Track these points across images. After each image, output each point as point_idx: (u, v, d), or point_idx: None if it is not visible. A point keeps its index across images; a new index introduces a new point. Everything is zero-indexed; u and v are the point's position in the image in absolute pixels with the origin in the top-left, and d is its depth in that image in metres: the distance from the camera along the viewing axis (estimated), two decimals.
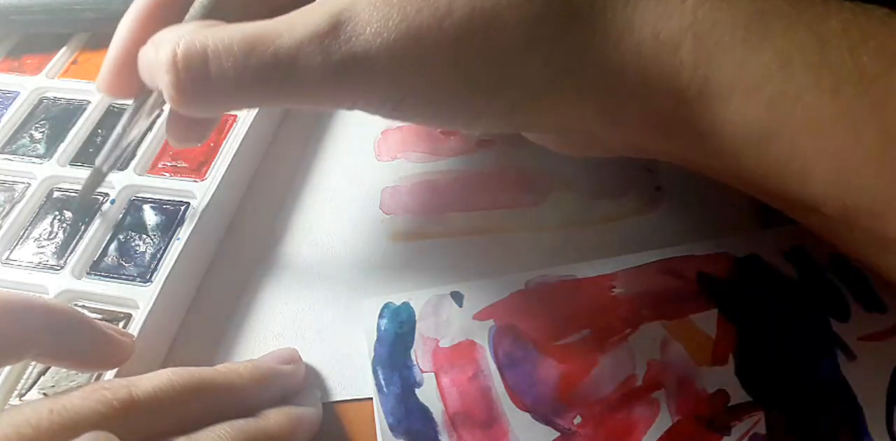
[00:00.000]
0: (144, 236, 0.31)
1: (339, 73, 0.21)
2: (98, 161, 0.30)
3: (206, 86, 0.22)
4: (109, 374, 0.26)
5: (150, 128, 0.32)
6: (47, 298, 0.24)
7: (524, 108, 0.23)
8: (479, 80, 0.22)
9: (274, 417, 0.24)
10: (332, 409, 0.27)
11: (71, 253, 0.30)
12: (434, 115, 0.24)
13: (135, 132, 0.29)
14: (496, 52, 0.21)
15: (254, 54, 0.21)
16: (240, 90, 0.22)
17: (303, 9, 0.22)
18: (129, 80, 0.26)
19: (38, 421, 0.20)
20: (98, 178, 0.30)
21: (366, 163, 0.36)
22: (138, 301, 0.28)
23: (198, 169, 0.33)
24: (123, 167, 0.33)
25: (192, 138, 0.28)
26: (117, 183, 0.32)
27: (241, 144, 0.33)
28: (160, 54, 0.22)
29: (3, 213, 0.32)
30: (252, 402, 0.24)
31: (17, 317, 0.22)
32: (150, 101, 0.28)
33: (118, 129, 0.28)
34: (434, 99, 0.23)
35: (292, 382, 0.27)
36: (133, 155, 0.33)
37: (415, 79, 0.22)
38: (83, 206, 0.32)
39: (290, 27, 0.21)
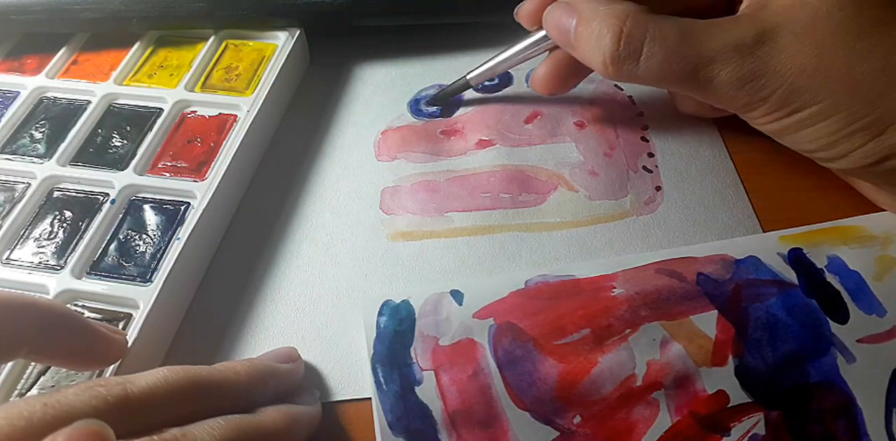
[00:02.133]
0: (144, 236, 0.31)
1: (744, 81, 0.26)
2: (471, 76, 0.36)
3: (634, 63, 0.27)
4: (108, 374, 0.26)
5: (518, 62, 0.34)
6: (39, 297, 0.24)
7: None
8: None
9: (270, 414, 0.24)
10: (331, 409, 0.27)
11: (71, 253, 0.30)
12: (823, 127, 0.27)
13: (510, 63, 0.34)
14: None
15: (682, 48, 0.26)
16: (658, 75, 0.27)
17: (731, 18, 0.27)
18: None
19: (31, 413, 0.20)
20: (462, 88, 0.36)
21: (366, 163, 0.36)
22: (138, 301, 0.28)
23: (198, 169, 0.33)
24: (123, 167, 0.33)
25: (561, 89, 0.34)
26: (117, 183, 0.32)
27: (241, 144, 0.33)
28: (603, 26, 0.27)
29: (3, 213, 0.32)
30: (249, 400, 0.24)
31: (8, 316, 0.22)
32: (538, 41, 0.32)
33: (503, 55, 0.34)
34: (826, 113, 0.26)
35: (291, 381, 0.27)
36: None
37: (817, 93, 0.26)
38: (439, 101, 0.38)
39: (717, 31, 0.26)
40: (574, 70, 0.33)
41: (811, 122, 0.27)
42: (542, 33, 0.32)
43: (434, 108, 0.38)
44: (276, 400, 0.25)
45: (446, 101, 0.38)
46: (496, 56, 0.34)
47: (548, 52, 0.33)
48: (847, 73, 0.25)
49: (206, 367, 0.24)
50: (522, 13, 0.32)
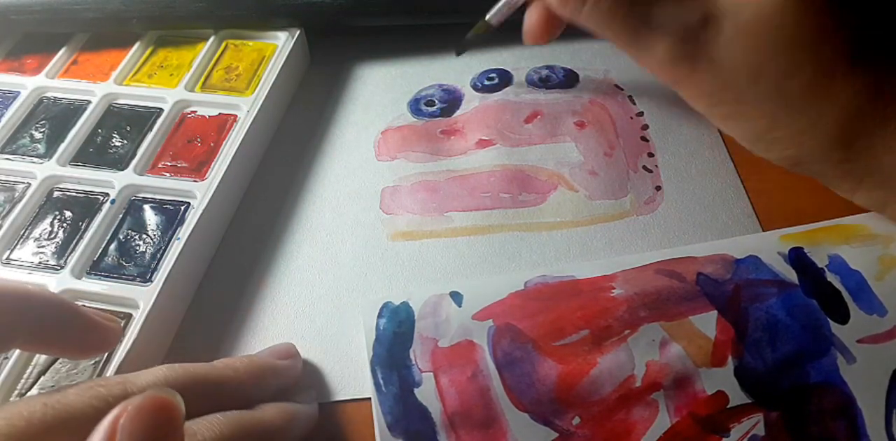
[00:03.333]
0: (144, 236, 0.31)
1: (679, 60, 0.26)
2: (489, 15, 0.35)
3: (581, 4, 0.27)
4: (110, 372, 0.26)
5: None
6: (31, 285, 0.24)
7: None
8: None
9: (268, 410, 0.24)
10: (331, 409, 0.27)
11: (71, 253, 0.30)
12: (744, 124, 0.27)
13: None
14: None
15: (631, 7, 0.26)
16: (599, 23, 0.27)
17: None
18: None
19: (30, 414, 0.19)
20: (484, 30, 0.36)
21: (366, 163, 0.36)
22: (138, 301, 0.28)
23: (198, 169, 0.33)
24: (123, 167, 0.33)
25: (545, 37, 0.33)
26: (117, 183, 0.32)
27: (241, 144, 0.33)
28: None
29: (3, 213, 0.32)
30: (248, 397, 0.24)
31: (3, 305, 0.22)
32: None
33: None
34: (750, 115, 0.26)
35: (289, 377, 0.27)
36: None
37: (744, 93, 0.26)
38: (463, 48, 0.38)
39: (671, 2, 0.26)
40: (552, 19, 0.33)
41: (734, 118, 0.27)
42: None
43: (434, 108, 0.38)
44: (275, 397, 0.25)
45: (466, 49, 0.38)
46: None
47: None
48: (776, 81, 0.25)
49: (206, 364, 0.24)
50: None
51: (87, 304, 0.29)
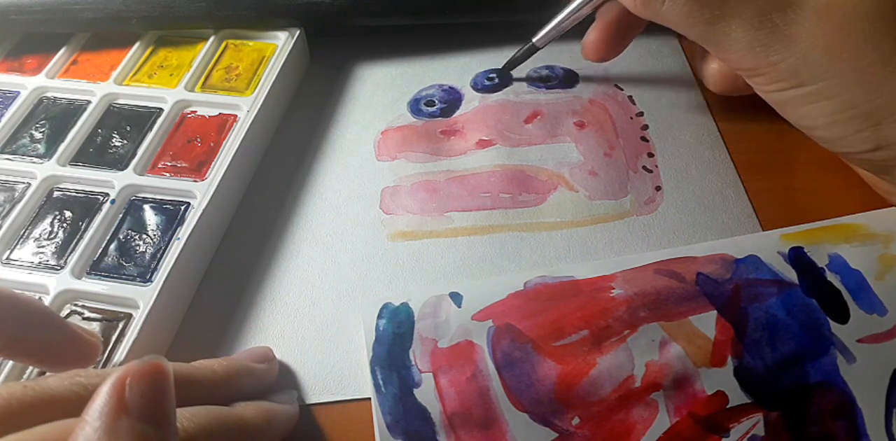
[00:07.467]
0: (144, 236, 0.31)
1: (756, 44, 0.27)
2: (536, 38, 0.36)
3: (661, 2, 0.28)
4: None
5: (584, 19, 0.35)
6: (19, 292, 0.24)
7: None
8: None
9: (247, 407, 0.24)
10: (331, 409, 0.27)
11: (71, 253, 0.30)
12: (823, 106, 0.27)
13: (573, 18, 0.34)
14: None
15: None
16: (678, 17, 0.28)
17: None
18: None
19: (10, 394, 0.20)
20: (530, 52, 0.37)
21: (366, 163, 0.36)
22: (138, 301, 0.28)
23: (198, 169, 0.33)
24: (123, 167, 0.33)
25: (610, 54, 0.35)
26: (117, 183, 0.32)
27: (241, 144, 0.33)
28: None
29: (3, 213, 0.32)
30: (224, 396, 0.24)
31: None
32: None
33: (564, 13, 0.34)
34: (828, 93, 0.27)
35: (265, 381, 0.27)
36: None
37: (823, 71, 0.26)
38: (504, 71, 0.39)
39: None
40: (620, 34, 0.34)
41: (813, 100, 0.27)
42: None
43: (434, 108, 0.38)
44: (251, 398, 0.25)
45: (513, 69, 0.39)
46: (557, 15, 0.35)
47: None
48: (856, 56, 0.25)
49: (185, 364, 0.24)
50: None
51: (87, 304, 0.29)
